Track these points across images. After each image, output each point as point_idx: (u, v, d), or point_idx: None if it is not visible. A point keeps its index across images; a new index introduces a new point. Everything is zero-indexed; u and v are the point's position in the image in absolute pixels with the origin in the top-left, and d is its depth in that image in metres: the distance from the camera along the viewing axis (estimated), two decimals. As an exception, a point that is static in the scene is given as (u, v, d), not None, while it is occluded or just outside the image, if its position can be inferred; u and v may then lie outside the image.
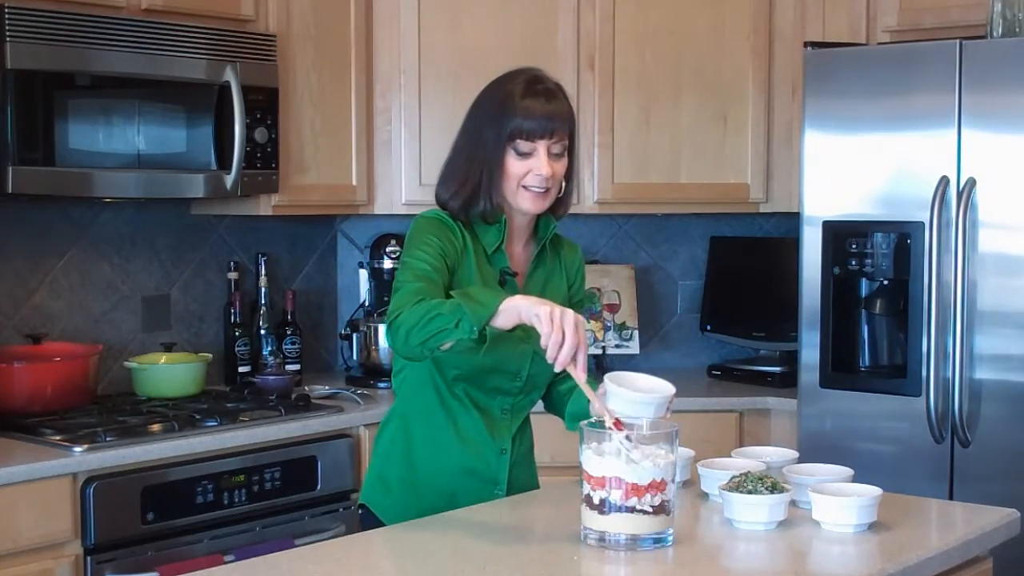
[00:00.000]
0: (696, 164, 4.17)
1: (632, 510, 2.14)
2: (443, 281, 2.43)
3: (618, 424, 2.17)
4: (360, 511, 2.65)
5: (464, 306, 2.24)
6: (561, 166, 2.52)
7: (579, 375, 2.21)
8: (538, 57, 3.98)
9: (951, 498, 3.43)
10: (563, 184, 2.56)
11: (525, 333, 2.39)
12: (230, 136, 3.53)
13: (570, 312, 2.20)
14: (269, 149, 3.65)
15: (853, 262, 3.66)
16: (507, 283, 2.55)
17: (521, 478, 2.63)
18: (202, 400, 3.63)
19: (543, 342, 2.18)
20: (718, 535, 2.31)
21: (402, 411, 2.62)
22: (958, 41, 3.48)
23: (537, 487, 2.68)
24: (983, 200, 3.45)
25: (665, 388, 2.31)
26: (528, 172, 2.48)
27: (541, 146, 2.48)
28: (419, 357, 2.41)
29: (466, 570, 2.10)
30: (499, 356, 2.48)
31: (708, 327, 4.46)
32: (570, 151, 2.55)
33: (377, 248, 4.24)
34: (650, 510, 2.15)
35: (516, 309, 2.22)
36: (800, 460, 2.64)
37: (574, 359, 2.19)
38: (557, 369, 2.21)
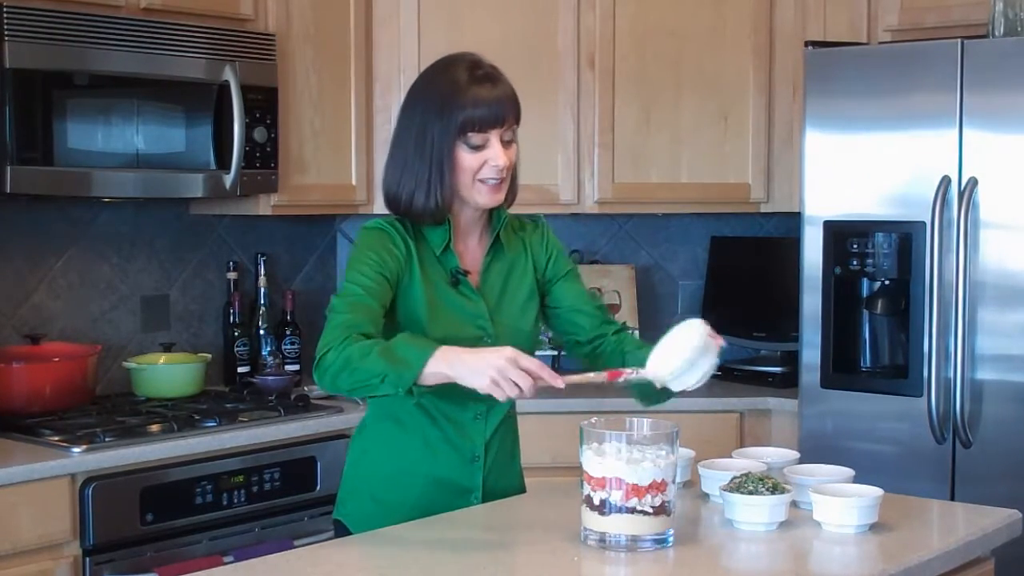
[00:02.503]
0: (696, 164, 4.16)
1: (632, 511, 2.13)
2: (381, 301, 2.34)
3: (612, 374, 2.21)
4: (335, 526, 2.58)
5: (388, 365, 2.20)
6: (513, 153, 2.43)
7: (559, 384, 2.18)
8: (538, 56, 4.01)
9: (952, 499, 3.42)
10: None
11: (481, 331, 2.42)
12: (229, 136, 3.52)
13: (501, 359, 2.15)
14: (268, 149, 3.64)
15: (854, 262, 3.65)
16: (460, 283, 2.45)
17: (499, 484, 2.54)
18: (201, 400, 3.62)
19: (502, 400, 2.18)
20: (719, 536, 2.30)
21: (371, 423, 2.56)
22: (959, 40, 3.48)
23: (522, 491, 2.62)
24: (984, 200, 3.45)
25: (693, 330, 2.29)
26: (483, 164, 2.38)
27: (493, 135, 2.38)
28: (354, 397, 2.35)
29: (466, 571, 2.09)
30: None
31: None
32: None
33: (377, 248, 4.23)
34: (650, 511, 2.14)
35: (443, 374, 2.19)
36: (801, 461, 2.63)
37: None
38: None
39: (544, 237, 2.60)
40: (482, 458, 2.50)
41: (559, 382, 2.17)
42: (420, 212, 2.41)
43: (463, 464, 2.49)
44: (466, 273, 2.47)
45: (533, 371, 2.15)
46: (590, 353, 2.57)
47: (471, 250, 2.50)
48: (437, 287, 2.43)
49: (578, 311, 2.59)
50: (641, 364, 2.30)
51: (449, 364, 2.18)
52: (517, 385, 2.14)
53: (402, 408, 2.47)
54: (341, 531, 2.54)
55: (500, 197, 2.43)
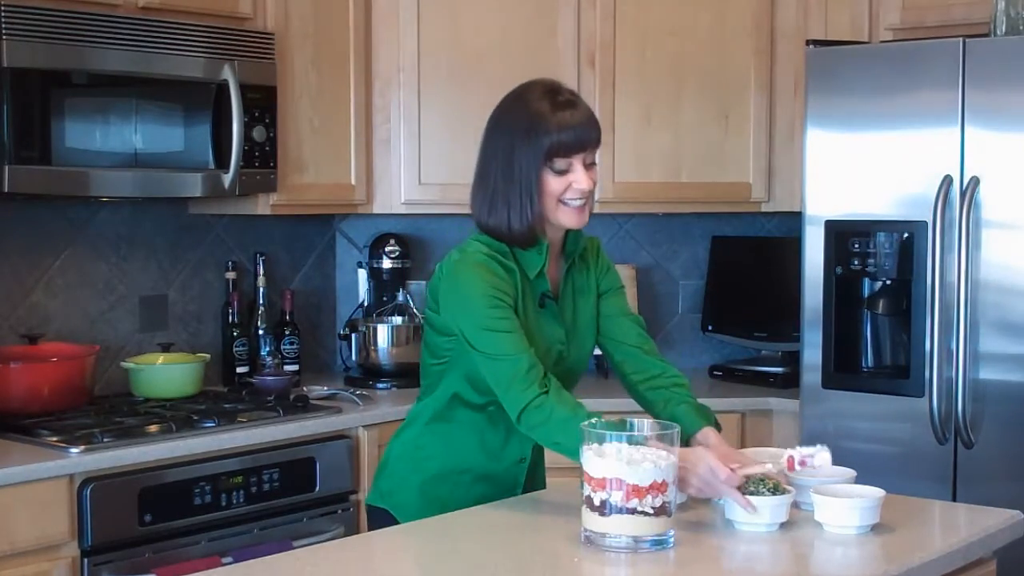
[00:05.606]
0: (697, 163, 4.15)
1: (633, 512, 2.12)
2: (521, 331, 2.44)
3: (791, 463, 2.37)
4: (370, 512, 2.64)
5: (566, 448, 2.33)
6: (595, 174, 2.50)
7: (750, 509, 2.28)
8: (538, 55, 3.99)
9: (954, 500, 3.41)
10: None
11: (561, 345, 2.55)
12: (228, 135, 3.51)
13: (705, 473, 2.29)
14: (267, 148, 3.63)
15: (855, 262, 3.64)
16: (546, 306, 2.54)
17: (534, 480, 2.67)
18: (200, 401, 3.61)
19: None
20: (720, 537, 2.29)
21: (427, 420, 2.62)
22: (961, 39, 3.46)
23: (544, 486, 2.70)
24: (986, 199, 3.43)
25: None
26: (567, 187, 2.46)
27: (577, 160, 2.46)
28: None
29: (466, 571, 2.08)
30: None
31: (710, 327, 4.45)
32: None
33: (376, 247, 4.23)
34: (651, 512, 2.13)
35: None
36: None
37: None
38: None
39: (599, 252, 2.70)
40: (528, 459, 2.61)
41: (749, 507, 2.27)
42: (516, 236, 2.49)
43: (512, 464, 2.60)
44: (553, 297, 2.56)
45: (717, 487, 2.29)
46: (641, 395, 2.66)
47: (552, 275, 2.59)
48: (527, 308, 2.51)
49: (623, 317, 2.67)
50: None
51: None
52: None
53: (462, 410, 2.56)
54: (384, 519, 2.57)
55: (585, 218, 2.52)
